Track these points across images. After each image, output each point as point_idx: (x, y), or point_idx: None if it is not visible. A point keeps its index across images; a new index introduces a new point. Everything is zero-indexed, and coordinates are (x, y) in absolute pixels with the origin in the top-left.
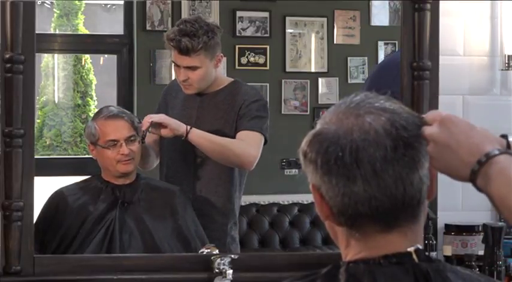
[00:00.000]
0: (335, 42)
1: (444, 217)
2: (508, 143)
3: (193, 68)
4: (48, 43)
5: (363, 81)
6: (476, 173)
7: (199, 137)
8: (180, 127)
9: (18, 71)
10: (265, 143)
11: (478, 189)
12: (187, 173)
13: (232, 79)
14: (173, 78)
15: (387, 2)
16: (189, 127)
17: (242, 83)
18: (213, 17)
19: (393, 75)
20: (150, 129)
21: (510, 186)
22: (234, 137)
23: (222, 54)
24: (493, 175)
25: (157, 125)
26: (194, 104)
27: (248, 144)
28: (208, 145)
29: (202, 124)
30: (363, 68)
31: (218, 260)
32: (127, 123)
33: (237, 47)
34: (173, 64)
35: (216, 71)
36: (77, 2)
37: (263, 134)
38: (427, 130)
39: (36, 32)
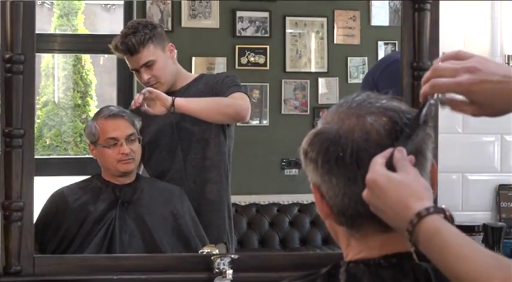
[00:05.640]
0: (335, 42)
1: None
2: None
3: (150, 65)
4: (48, 43)
5: None
6: (412, 240)
7: (186, 101)
8: (167, 97)
9: (18, 71)
10: None
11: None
12: (178, 168)
13: (198, 74)
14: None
15: (387, 2)
16: (172, 97)
17: (210, 74)
18: (213, 17)
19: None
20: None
21: (443, 255)
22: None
23: (172, 44)
24: (424, 243)
25: (150, 102)
26: None
27: (236, 98)
28: (197, 106)
29: (183, 119)
30: (363, 68)
31: (218, 260)
32: (127, 123)
33: (237, 47)
34: (134, 73)
35: (176, 64)
36: (76, 2)
37: (247, 94)
38: (363, 193)
39: (36, 32)
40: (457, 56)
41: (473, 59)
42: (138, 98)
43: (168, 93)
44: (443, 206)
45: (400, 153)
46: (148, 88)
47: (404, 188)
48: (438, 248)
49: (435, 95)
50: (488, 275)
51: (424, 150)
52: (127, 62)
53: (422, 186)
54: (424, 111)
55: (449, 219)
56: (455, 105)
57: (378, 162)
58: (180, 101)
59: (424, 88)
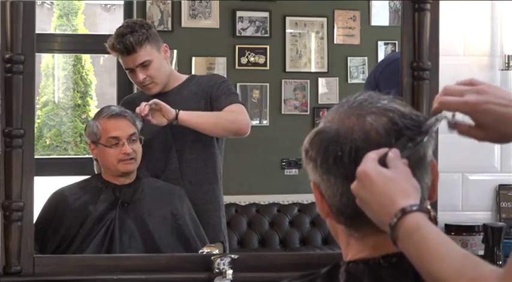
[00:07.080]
0: (335, 42)
1: (444, 217)
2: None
3: (146, 65)
4: (48, 43)
5: (363, 81)
6: (392, 236)
7: (190, 115)
8: (171, 110)
9: (18, 71)
10: None
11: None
12: (173, 168)
13: (188, 75)
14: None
15: (387, 2)
16: (176, 110)
17: (200, 75)
18: (213, 17)
19: None
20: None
21: (419, 252)
22: None
23: (166, 45)
24: (403, 240)
25: (153, 112)
26: None
27: (237, 113)
28: (201, 120)
29: None
30: (363, 68)
31: (218, 260)
32: (129, 122)
33: (237, 47)
34: (128, 73)
35: (169, 65)
36: (76, 2)
37: (245, 105)
38: (352, 184)
39: (36, 32)
40: (470, 82)
41: (484, 84)
42: (144, 108)
43: (161, 93)
44: (428, 207)
45: (394, 154)
46: (155, 100)
47: (393, 184)
48: (416, 245)
49: (443, 113)
50: (458, 273)
51: (425, 158)
52: (121, 61)
53: (412, 185)
54: (428, 121)
55: (433, 220)
56: (462, 129)
57: (371, 157)
58: (183, 115)
59: (434, 105)
